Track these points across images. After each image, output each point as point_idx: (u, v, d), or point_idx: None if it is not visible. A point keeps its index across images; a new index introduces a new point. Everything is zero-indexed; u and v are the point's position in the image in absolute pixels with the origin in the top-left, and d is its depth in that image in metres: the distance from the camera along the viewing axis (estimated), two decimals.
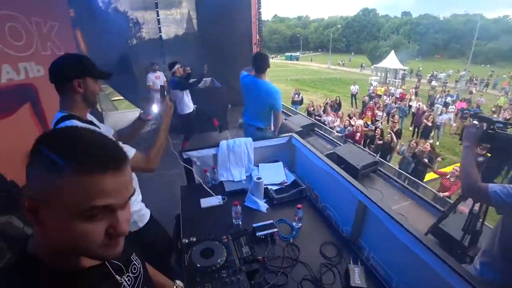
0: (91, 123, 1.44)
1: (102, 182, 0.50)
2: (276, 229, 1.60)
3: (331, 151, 4.09)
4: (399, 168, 5.84)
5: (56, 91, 1.36)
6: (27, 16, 4.67)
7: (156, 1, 7.03)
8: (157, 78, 6.28)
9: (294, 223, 1.72)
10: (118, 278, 0.68)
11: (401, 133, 8.35)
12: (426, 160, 5.81)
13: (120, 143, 0.59)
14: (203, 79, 6.42)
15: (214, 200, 1.95)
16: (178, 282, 1.17)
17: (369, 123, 9.12)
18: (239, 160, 2.23)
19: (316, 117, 9.29)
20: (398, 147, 7.85)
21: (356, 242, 1.66)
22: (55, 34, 5.57)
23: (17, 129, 3.19)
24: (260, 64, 2.96)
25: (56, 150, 0.49)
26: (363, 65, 37.08)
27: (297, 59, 53.31)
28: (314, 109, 9.99)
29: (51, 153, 0.49)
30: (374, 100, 12.18)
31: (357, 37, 63.89)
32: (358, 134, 7.47)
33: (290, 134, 2.31)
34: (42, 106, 4.72)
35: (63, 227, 0.51)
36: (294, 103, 12.48)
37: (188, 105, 4.76)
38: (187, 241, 1.46)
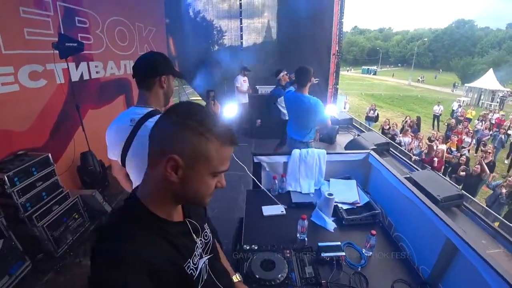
0: None
1: (228, 153, 0.71)
2: (343, 253, 1.49)
3: (407, 176, 3.72)
4: (486, 206, 5.01)
5: (138, 85, 1.40)
6: (132, 21, 5.41)
7: (241, 9, 7.47)
8: (245, 82, 6.64)
9: (364, 250, 1.58)
10: (194, 237, 0.82)
11: (494, 166, 7.17)
12: None
13: None
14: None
15: (276, 209, 1.93)
16: (238, 274, 1.14)
17: (453, 149, 8.06)
18: (310, 171, 2.17)
19: (392, 136, 8.59)
20: (489, 180, 6.76)
21: (435, 286, 1.45)
22: (151, 37, 6.33)
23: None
24: (301, 78, 2.96)
25: (203, 125, 0.66)
26: (456, 84, 32.86)
27: (375, 73, 50.57)
28: (389, 128, 9.27)
29: (200, 127, 0.66)
30: (462, 123, 10.76)
31: (446, 52, 57.44)
32: (437, 160, 6.65)
33: (367, 151, 2.16)
34: (133, 98, 5.40)
35: (201, 180, 0.69)
36: (368, 119, 11.79)
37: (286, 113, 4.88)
38: (248, 247, 1.46)
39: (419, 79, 40.35)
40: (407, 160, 5.05)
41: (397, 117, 16.95)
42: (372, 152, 2.12)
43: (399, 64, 67.39)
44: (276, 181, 2.11)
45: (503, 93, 22.53)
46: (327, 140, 5.94)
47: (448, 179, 4.36)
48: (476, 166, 5.93)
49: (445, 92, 30.58)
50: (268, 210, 1.91)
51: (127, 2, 5.15)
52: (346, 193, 2.00)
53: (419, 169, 4.57)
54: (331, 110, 6.71)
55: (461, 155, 7.43)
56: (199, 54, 7.65)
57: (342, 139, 6.09)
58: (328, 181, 2.19)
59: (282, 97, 4.60)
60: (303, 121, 3.01)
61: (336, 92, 7.49)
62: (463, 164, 6.17)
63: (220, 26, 7.87)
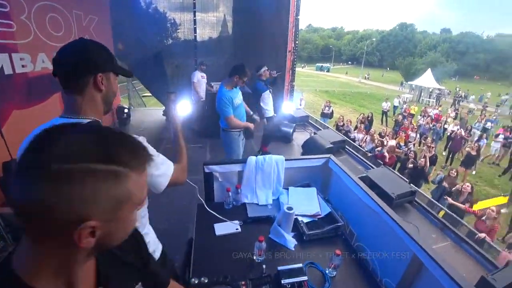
0: None
1: (144, 179, 0.55)
2: (305, 277, 1.33)
3: (364, 175, 3.75)
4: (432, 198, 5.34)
5: (63, 86, 0.98)
6: (68, 8, 4.75)
7: (194, 1, 7.08)
8: (203, 78, 6.24)
9: (327, 270, 1.44)
10: None
11: (436, 159, 7.74)
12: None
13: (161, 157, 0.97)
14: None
15: (230, 227, 1.71)
16: None
17: (402, 144, 8.57)
18: (267, 180, 1.98)
19: (345, 132, 8.87)
20: (431, 174, 7.28)
21: None
22: (93, 28, 5.66)
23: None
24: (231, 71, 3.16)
25: (112, 161, 0.47)
26: (403, 82, 35.17)
27: (328, 71, 52.67)
28: (343, 124, 9.57)
29: (110, 166, 0.47)
30: (407, 119, 11.55)
31: (392, 52, 62.27)
32: (388, 156, 6.98)
33: (327, 156, 2.03)
34: None
35: (126, 224, 0.54)
36: (323, 115, 12.07)
37: (270, 109, 4.64)
38: (197, 281, 1.23)
39: (365, 76, 42.93)
40: (362, 157, 5.17)
41: (350, 113, 17.74)
42: (332, 157, 2.00)
43: (349, 62, 71.23)
44: (230, 194, 1.89)
45: (438, 91, 24.94)
46: (284, 138, 5.87)
47: (399, 174, 4.52)
48: (421, 160, 6.31)
49: (391, 89, 32.82)
50: (221, 229, 1.69)
51: None
52: (306, 203, 1.85)
53: (373, 166, 4.68)
54: (288, 108, 6.72)
55: (408, 150, 7.91)
56: (150, 48, 7.12)
57: (299, 136, 6.07)
58: (287, 189, 2.03)
59: (264, 93, 4.43)
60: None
61: (292, 89, 7.50)
62: (412, 158, 6.54)
63: (173, 18, 7.45)
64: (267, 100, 4.54)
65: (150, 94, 8.20)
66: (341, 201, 1.94)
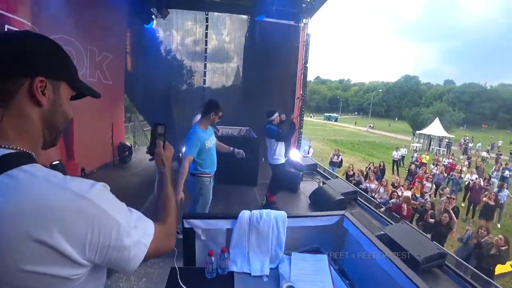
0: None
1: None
2: None
3: (381, 232, 3.26)
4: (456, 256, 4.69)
5: None
6: (83, 43, 4.85)
7: (205, 54, 7.60)
8: None
9: None
10: None
11: (459, 211, 7.09)
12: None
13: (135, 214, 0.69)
14: (241, 127, 6.28)
15: None
16: None
17: (418, 195, 7.99)
18: (264, 243, 1.57)
19: (356, 182, 8.41)
20: (454, 229, 6.58)
21: None
22: (106, 64, 5.77)
23: None
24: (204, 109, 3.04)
25: None
26: (416, 133, 34.79)
27: (336, 120, 53.64)
28: (354, 174, 9.14)
29: None
30: (421, 168, 11.06)
31: (398, 103, 63.72)
32: (405, 208, 6.42)
33: (341, 213, 1.64)
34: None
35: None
36: (332, 164, 11.73)
37: (281, 155, 4.38)
38: None
39: (370, 125, 43.36)
40: (376, 210, 4.68)
41: (359, 162, 17.34)
42: (348, 215, 1.61)
43: (355, 112, 72.83)
44: (213, 259, 1.47)
45: (448, 139, 24.60)
46: (290, 187, 5.44)
47: (422, 232, 3.99)
48: (444, 215, 5.72)
49: (400, 138, 32.63)
50: None
51: (80, 21, 4.57)
52: (315, 278, 1.41)
53: (390, 220, 4.17)
54: (294, 155, 6.43)
55: (425, 201, 7.33)
56: (160, 89, 7.41)
57: (307, 186, 5.63)
58: (289, 255, 1.60)
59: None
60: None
61: (300, 136, 7.30)
62: (430, 209, 5.96)
63: (187, 65, 7.90)
64: (279, 146, 4.28)
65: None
66: (359, 271, 1.50)
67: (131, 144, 7.28)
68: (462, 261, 4.42)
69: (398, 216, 5.97)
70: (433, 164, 13.47)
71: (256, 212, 1.60)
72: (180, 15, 7.36)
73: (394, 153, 15.60)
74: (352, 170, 9.34)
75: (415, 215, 6.97)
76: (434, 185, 10.24)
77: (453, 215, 5.73)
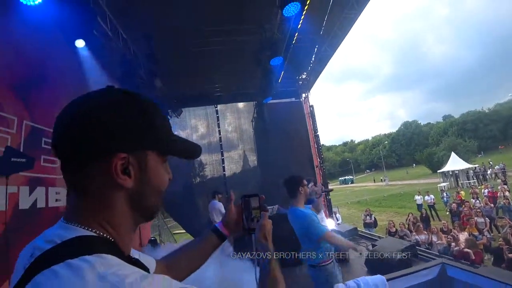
0: (136, 263, 0.55)
1: None
2: None
3: None
4: None
5: (67, 182, 0.55)
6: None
7: (220, 143, 8.13)
8: (219, 206, 6.22)
9: None
10: None
11: None
12: None
13: None
14: (272, 206, 6.14)
15: None
16: None
17: (475, 233, 7.16)
18: None
19: (401, 237, 7.66)
20: None
21: None
22: None
23: None
24: (289, 188, 2.64)
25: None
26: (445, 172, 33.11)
27: (352, 182, 52.54)
28: (396, 230, 8.42)
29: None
30: (465, 204, 10.28)
31: (407, 150, 63.50)
32: (472, 251, 5.66)
33: (439, 262, 1.38)
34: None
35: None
36: (366, 226, 10.89)
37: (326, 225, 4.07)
38: None
39: (381, 179, 41.71)
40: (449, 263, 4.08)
41: (392, 217, 16.14)
42: (447, 261, 1.35)
43: (367, 170, 71.84)
44: None
45: (474, 169, 23.36)
46: (339, 259, 4.89)
47: None
48: None
49: (422, 182, 31.25)
50: None
51: None
52: None
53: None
54: (330, 224, 6.02)
55: (487, 238, 6.52)
56: (183, 183, 7.62)
57: (355, 253, 5.07)
58: None
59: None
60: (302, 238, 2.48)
61: (330, 204, 6.99)
62: (503, 246, 5.23)
63: (206, 158, 8.28)
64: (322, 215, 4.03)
65: (182, 231, 8.22)
66: None
67: (155, 239, 7.16)
68: None
69: (468, 263, 5.20)
70: (473, 198, 12.53)
71: (350, 282, 1.36)
72: (192, 112, 8.11)
73: (426, 197, 14.69)
74: (394, 226, 8.63)
75: (485, 255, 6.12)
76: (486, 218, 9.34)
77: None
